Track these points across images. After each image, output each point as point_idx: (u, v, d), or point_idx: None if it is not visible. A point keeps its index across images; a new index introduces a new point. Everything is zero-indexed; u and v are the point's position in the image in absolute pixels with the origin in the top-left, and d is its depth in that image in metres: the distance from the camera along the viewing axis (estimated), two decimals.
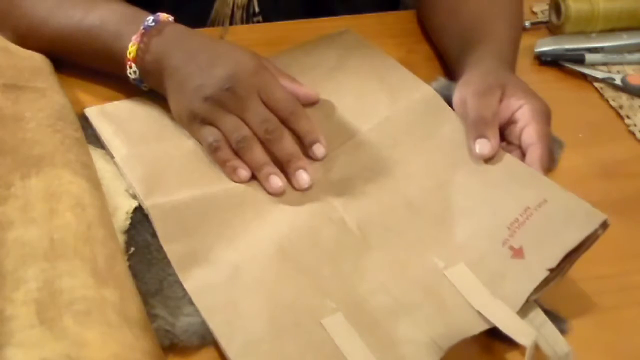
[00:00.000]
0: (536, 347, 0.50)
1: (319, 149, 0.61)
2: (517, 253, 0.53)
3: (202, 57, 0.60)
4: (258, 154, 0.58)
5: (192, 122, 0.60)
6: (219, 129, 0.59)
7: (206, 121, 0.59)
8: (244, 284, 0.51)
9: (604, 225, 0.53)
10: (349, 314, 0.49)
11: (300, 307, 0.50)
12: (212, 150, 0.59)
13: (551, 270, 0.51)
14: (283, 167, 0.59)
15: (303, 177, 0.58)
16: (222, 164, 0.59)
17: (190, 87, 0.59)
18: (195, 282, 0.51)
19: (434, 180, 0.59)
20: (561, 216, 0.54)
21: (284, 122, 0.59)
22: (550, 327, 0.50)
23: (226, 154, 0.58)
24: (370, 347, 0.47)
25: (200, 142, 0.60)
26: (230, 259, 0.52)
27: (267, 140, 0.58)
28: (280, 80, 0.61)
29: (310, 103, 0.65)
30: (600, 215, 0.53)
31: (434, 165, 0.61)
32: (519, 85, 0.64)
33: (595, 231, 0.53)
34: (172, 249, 0.53)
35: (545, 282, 0.51)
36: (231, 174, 0.58)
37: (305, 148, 0.60)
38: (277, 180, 0.58)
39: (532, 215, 0.55)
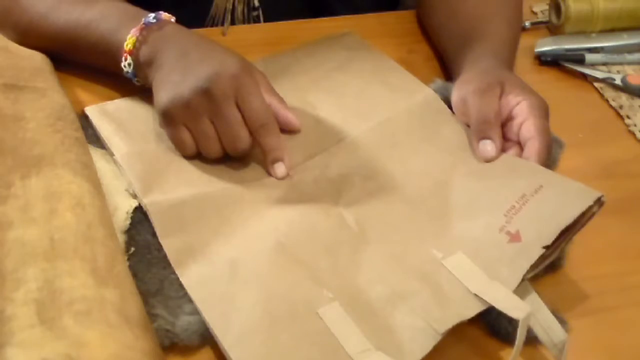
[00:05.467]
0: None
1: (280, 168, 0.59)
2: (514, 237, 0.53)
3: (193, 55, 0.59)
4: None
5: (164, 118, 0.59)
6: (189, 130, 0.58)
7: (177, 122, 0.58)
8: (241, 277, 0.51)
9: (600, 202, 0.53)
10: (346, 304, 0.49)
11: (297, 298, 0.50)
12: (180, 150, 0.60)
13: (547, 248, 0.51)
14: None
15: None
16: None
17: (169, 84, 0.58)
18: (191, 275, 0.51)
19: (432, 180, 0.60)
20: (557, 197, 0.55)
21: (252, 132, 0.58)
22: (546, 313, 0.50)
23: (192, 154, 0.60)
24: (366, 334, 0.47)
25: (170, 140, 0.60)
26: (227, 254, 0.53)
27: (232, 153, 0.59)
28: (266, 94, 0.59)
29: (288, 130, 0.63)
30: (595, 192, 0.53)
31: (433, 165, 0.61)
32: (517, 82, 0.64)
33: (591, 208, 0.53)
34: (169, 243, 0.53)
35: (541, 260, 0.52)
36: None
37: (267, 164, 0.59)
38: None
39: (528, 201, 0.55)
